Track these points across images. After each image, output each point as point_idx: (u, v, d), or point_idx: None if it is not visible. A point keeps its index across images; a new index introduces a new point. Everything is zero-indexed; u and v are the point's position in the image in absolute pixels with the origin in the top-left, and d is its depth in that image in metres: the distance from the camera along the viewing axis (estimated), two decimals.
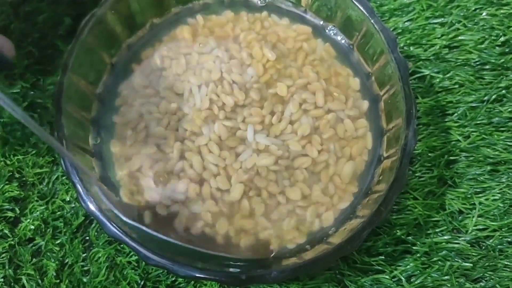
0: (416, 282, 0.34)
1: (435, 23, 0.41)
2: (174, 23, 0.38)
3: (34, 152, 0.36)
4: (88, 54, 0.34)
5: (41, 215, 0.35)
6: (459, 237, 0.35)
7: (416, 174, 0.36)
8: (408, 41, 0.40)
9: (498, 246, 0.35)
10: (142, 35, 0.37)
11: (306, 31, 0.38)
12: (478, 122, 0.38)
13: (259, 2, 0.38)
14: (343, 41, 0.37)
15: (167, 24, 0.38)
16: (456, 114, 0.38)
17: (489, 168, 0.37)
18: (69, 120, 0.31)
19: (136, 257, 0.34)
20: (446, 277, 0.34)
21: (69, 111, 0.31)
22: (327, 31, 0.38)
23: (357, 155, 0.34)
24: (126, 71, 0.36)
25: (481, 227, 0.35)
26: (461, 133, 0.38)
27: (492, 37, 0.40)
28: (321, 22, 0.38)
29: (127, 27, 0.36)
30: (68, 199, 0.35)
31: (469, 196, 0.36)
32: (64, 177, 0.36)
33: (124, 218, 0.28)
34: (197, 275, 0.28)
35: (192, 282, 0.34)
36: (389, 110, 0.34)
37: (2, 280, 0.34)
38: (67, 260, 0.34)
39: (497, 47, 0.40)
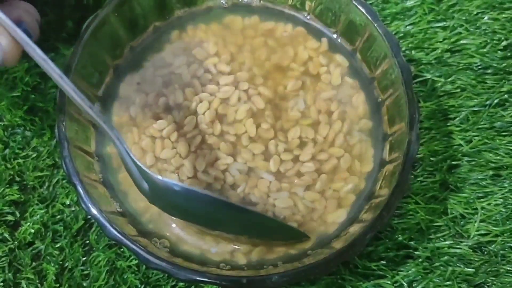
0: None
1: (437, 27, 0.41)
2: (177, 27, 0.38)
3: (34, 155, 0.36)
4: (91, 56, 0.34)
5: (41, 219, 0.35)
6: (461, 242, 0.35)
7: (418, 179, 0.36)
8: (410, 45, 0.40)
9: (501, 252, 0.35)
10: (145, 38, 0.37)
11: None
12: (480, 126, 0.38)
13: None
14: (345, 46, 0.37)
15: (170, 28, 0.38)
16: (458, 118, 0.38)
17: (491, 173, 0.37)
18: (71, 122, 0.31)
19: (137, 261, 0.33)
20: (448, 283, 0.33)
21: (71, 112, 0.31)
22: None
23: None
24: (128, 74, 0.36)
25: (483, 232, 0.35)
26: (463, 138, 0.37)
27: (494, 41, 0.40)
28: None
29: (130, 30, 0.36)
30: (68, 203, 0.35)
31: (471, 201, 0.36)
32: (64, 181, 0.36)
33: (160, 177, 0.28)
34: (197, 278, 0.28)
35: (193, 287, 0.33)
36: (392, 115, 0.34)
37: (1, 284, 0.33)
38: (67, 264, 0.34)
39: (499, 51, 0.40)
